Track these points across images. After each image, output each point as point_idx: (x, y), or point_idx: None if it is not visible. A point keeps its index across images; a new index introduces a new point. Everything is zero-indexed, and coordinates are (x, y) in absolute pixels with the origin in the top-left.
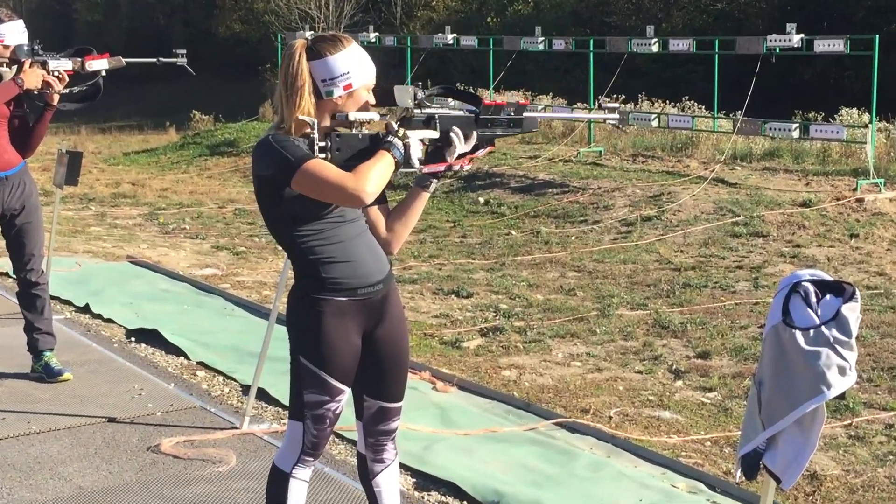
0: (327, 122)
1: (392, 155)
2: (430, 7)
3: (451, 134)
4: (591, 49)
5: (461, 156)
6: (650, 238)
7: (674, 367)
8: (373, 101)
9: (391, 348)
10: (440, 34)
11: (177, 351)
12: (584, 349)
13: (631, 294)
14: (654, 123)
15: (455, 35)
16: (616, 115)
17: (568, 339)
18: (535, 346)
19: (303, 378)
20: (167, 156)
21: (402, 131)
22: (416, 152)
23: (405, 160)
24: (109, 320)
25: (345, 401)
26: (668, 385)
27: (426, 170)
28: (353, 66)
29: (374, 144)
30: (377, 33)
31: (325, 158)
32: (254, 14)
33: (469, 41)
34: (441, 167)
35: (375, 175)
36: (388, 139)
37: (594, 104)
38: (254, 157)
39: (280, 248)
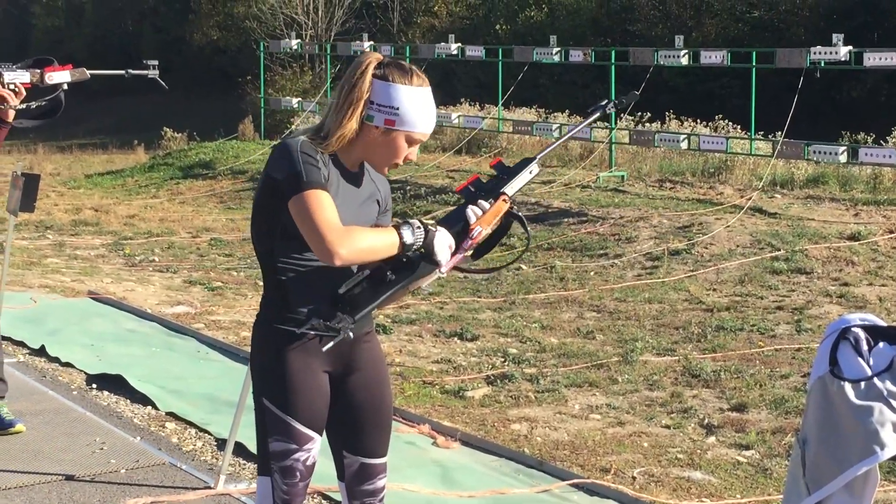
0: (356, 153)
1: (400, 235)
2: (431, 13)
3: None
4: (613, 61)
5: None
6: (679, 274)
7: (706, 421)
8: (413, 157)
9: (368, 396)
10: (443, 43)
11: (144, 399)
12: (604, 400)
13: (657, 338)
14: (684, 145)
15: (460, 44)
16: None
17: (586, 389)
18: (548, 397)
19: (267, 424)
20: (134, 178)
21: (426, 220)
22: (443, 248)
23: (424, 248)
24: (68, 364)
25: (315, 450)
26: (700, 441)
27: (444, 270)
28: (408, 107)
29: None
30: (372, 42)
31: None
32: (233, 20)
33: (475, 51)
34: (457, 258)
35: (363, 243)
36: (409, 219)
37: (616, 123)
38: (273, 154)
39: (260, 282)
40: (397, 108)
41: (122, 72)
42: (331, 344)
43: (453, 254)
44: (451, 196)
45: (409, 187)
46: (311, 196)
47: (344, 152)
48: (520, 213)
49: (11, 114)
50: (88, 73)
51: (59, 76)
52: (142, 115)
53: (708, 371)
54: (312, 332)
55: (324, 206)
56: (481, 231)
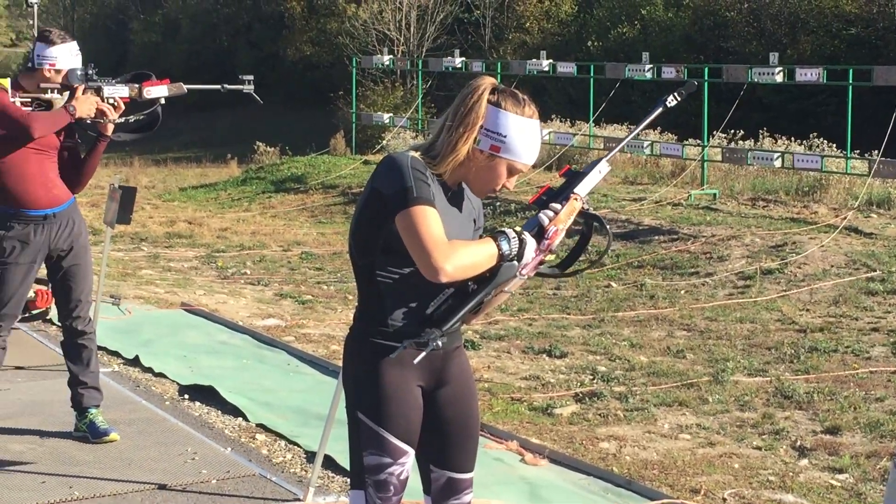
0: (458, 173)
1: (498, 245)
2: (522, 29)
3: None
4: (707, 78)
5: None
6: (771, 294)
7: (798, 443)
8: (510, 186)
9: (458, 410)
10: (534, 59)
11: (234, 411)
12: (693, 420)
13: (748, 358)
14: (778, 163)
15: (551, 61)
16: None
17: (675, 408)
18: (637, 415)
19: (361, 437)
20: (227, 192)
21: (518, 228)
22: (530, 253)
23: (517, 257)
24: (161, 375)
25: (409, 464)
26: (792, 464)
27: (525, 272)
28: (515, 136)
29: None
30: (463, 58)
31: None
32: (326, 36)
33: (567, 67)
34: (537, 261)
35: (467, 259)
36: (503, 229)
37: (708, 141)
38: (380, 168)
39: (350, 296)
40: (505, 136)
41: (219, 86)
42: (421, 356)
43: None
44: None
45: (498, 203)
46: (419, 212)
47: (448, 172)
48: (596, 213)
49: (110, 128)
50: (185, 87)
51: (157, 91)
52: (235, 129)
53: (801, 392)
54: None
55: (431, 222)
56: (556, 230)
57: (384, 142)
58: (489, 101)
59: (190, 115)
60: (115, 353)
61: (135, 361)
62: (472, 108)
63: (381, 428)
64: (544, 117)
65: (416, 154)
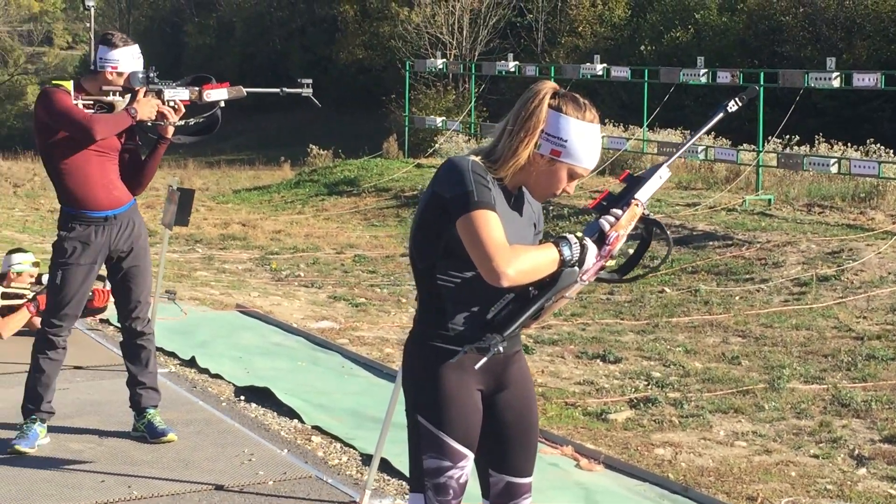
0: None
1: (560, 251)
2: (575, 33)
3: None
4: (762, 83)
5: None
6: (827, 301)
7: (856, 451)
8: (570, 191)
9: (517, 415)
10: (588, 63)
11: (290, 413)
12: (749, 427)
13: (805, 365)
14: (834, 169)
15: (605, 65)
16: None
17: (731, 415)
18: (692, 422)
19: (421, 441)
20: (280, 194)
21: (579, 233)
22: (591, 259)
23: (578, 263)
24: (217, 376)
25: (469, 468)
26: (850, 473)
27: (586, 277)
28: (576, 140)
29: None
30: (517, 62)
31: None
32: (379, 39)
33: (621, 72)
34: (597, 266)
35: (528, 263)
36: (565, 234)
37: (763, 146)
38: (441, 172)
39: (404, 300)
40: (566, 141)
41: (278, 90)
42: (482, 361)
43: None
44: (592, 216)
45: (551, 207)
46: (481, 216)
47: (508, 176)
48: (656, 218)
49: (170, 130)
50: (245, 90)
51: (217, 94)
52: (287, 131)
53: (858, 401)
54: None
55: (492, 226)
56: (618, 236)
57: (437, 145)
58: (550, 106)
59: (242, 118)
60: (172, 354)
61: (191, 362)
62: (533, 112)
63: (440, 431)
64: (602, 122)
65: (477, 158)
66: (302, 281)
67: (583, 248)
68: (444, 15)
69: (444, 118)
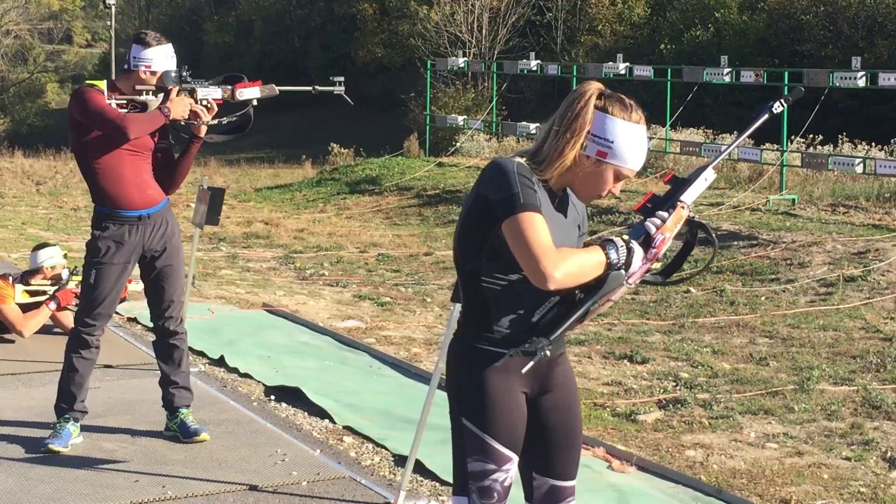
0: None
1: (606, 254)
2: (595, 32)
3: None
4: (786, 82)
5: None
6: (854, 301)
7: (888, 454)
8: (616, 192)
9: (562, 418)
10: (610, 63)
11: (320, 413)
12: (780, 429)
13: (833, 366)
14: (859, 169)
15: (628, 64)
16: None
17: (761, 417)
18: (722, 423)
19: (466, 444)
20: (302, 193)
21: (625, 236)
22: (637, 262)
23: (624, 266)
24: (247, 375)
25: (514, 471)
26: (883, 475)
27: (632, 280)
28: (622, 141)
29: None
30: (538, 61)
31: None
32: (398, 38)
33: (644, 71)
34: (643, 269)
35: (575, 266)
36: (611, 237)
37: (787, 145)
38: (486, 173)
39: (428, 299)
40: (612, 142)
41: (310, 88)
42: (529, 366)
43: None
44: (618, 216)
45: (589, 208)
46: (526, 218)
47: (554, 178)
48: (702, 221)
49: (203, 129)
50: (277, 89)
51: (250, 92)
52: (306, 130)
53: (889, 403)
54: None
55: (539, 228)
56: (664, 238)
57: (458, 144)
58: (596, 107)
59: (261, 117)
60: (201, 353)
61: (220, 361)
62: (580, 113)
63: (486, 434)
64: None
65: (522, 160)
66: (326, 280)
67: (629, 251)
68: (464, 13)
69: (465, 117)
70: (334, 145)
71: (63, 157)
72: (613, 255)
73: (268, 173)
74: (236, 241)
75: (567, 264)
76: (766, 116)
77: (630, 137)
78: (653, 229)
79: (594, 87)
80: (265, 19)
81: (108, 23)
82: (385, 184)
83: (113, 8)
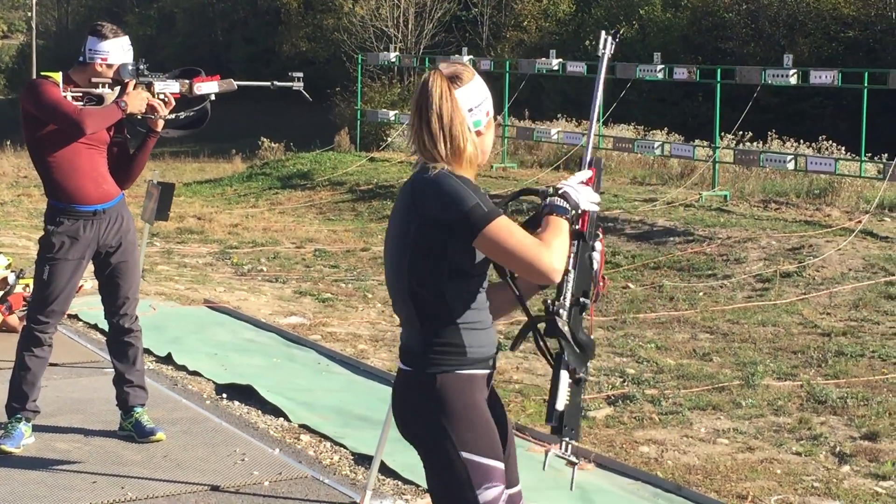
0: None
1: (563, 217)
2: (521, 28)
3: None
4: (718, 80)
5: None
6: (790, 297)
7: (837, 448)
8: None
9: (504, 425)
10: (543, 59)
11: (274, 411)
12: (729, 424)
13: (776, 361)
14: (790, 166)
15: (561, 60)
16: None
17: (710, 412)
18: (672, 419)
19: (470, 477)
20: (233, 187)
21: (551, 188)
22: (586, 195)
23: (575, 208)
24: (195, 373)
25: None
26: (834, 470)
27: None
28: (485, 94)
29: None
30: (471, 56)
31: None
32: (322, 32)
33: (576, 67)
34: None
35: (561, 246)
36: (547, 201)
37: (719, 141)
38: (426, 195)
39: (370, 295)
40: (480, 102)
41: (268, 83)
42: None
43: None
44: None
45: (510, 203)
46: (500, 225)
47: (474, 170)
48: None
49: (161, 123)
50: (236, 84)
51: (208, 87)
52: (231, 123)
53: (834, 398)
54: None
55: (514, 230)
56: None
57: (390, 139)
58: (455, 88)
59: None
60: (147, 351)
61: (167, 359)
62: (452, 104)
63: (490, 459)
64: (547, 116)
65: (446, 171)
66: (265, 276)
67: (564, 193)
68: (390, 8)
69: (396, 112)
70: (265, 140)
71: None
72: (563, 208)
73: (193, 167)
74: (170, 236)
75: (557, 251)
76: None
77: (484, 89)
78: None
79: (438, 74)
80: (187, 11)
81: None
82: (317, 179)
83: None
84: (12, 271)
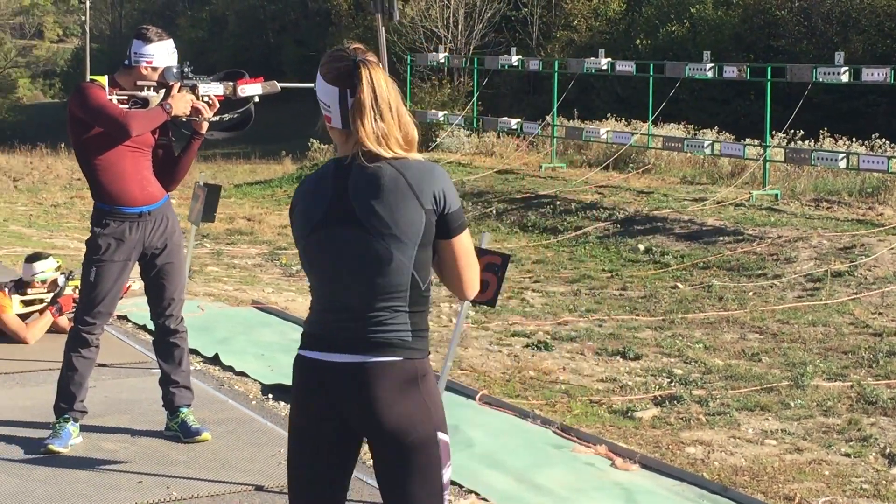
0: None
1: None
2: (571, 27)
3: None
4: (769, 78)
5: None
6: (841, 297)
7: (887, 450)
8: None
9: None
10: (592, 58)
11: None
12: (777, 425)
13: (826, 362)
14: (842, 164)
15: (609, 60)
16: None
17: (758, 413)
18: (719, 420)
19: (441, 457)
20: (283, 189)
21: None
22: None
23: None
24: (242, 373)
25: None
26: (884, 472)
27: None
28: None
29: None
30: (520, 56)
31: None
32: (373, 33)
33: (625, 66)
34: None
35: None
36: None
37: (769, 140)
38: (434, 183)
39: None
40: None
41: (312, 85)
42: None
43: None
44: (601, 211)
45: (558, 202)
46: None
47: None
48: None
49: (205, 126)
50: (279, 85)
51: (252, 89)
52: (281, 125)
53: (884, 398)
54: None
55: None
56: None
57: (439, 140)
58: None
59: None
60: (194, 351)
61: (214, 360)
62: (396, 91)
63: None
64: (597, 116)
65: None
66: None
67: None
68: (440, 8)
69: (445, 112)
70: (314, 141)
71: (39, 153)
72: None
73: (244, 169)
74: (220, 237)
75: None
76: None
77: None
78: None
79: (372, 64)
80: (239, 14)
81: (82, 18)
82: None
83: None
84: (62, 273)
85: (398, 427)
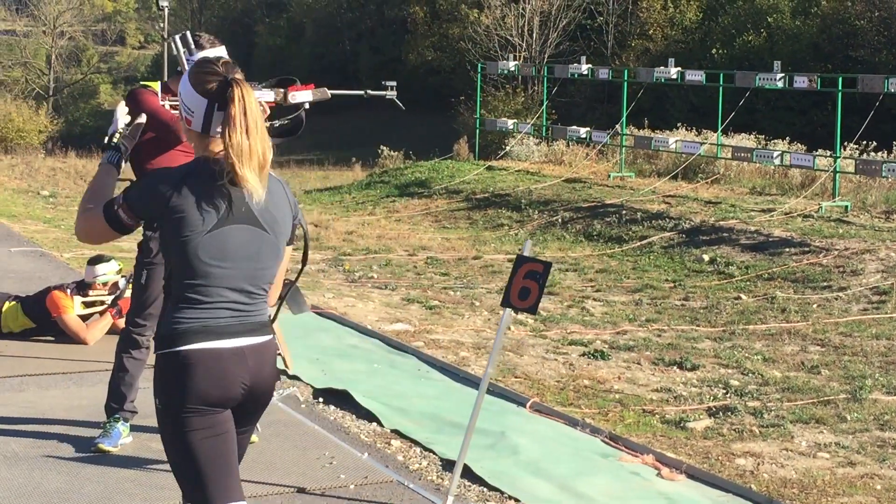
0: None
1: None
2: (646, 36)
3: None
4: (840, 88)
5: None
6: None
7: None
8: None
9: None
10: (662, 67)
11: (368, 416)
12: (832, 438)
13: (887, 376)
14: None
15: (679, 69)
16: None
17: (813, 426)
18: (773, 432)
19: None
20: (352, 195)
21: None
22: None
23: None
24: (295, 377)
25: None
26: None
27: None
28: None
29: None
30: (590, 65)
31: None
32: (448, 41)
33: (695, 75)
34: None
35: None
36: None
37: (840, 151)
38: (289, 191)
39: (477, 303)
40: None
41: (362, 92)
42: None
43: None
44: (667, 221)
45: (624, 212)
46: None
47: None
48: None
49: None
50: (330, 93)
51: (302, 95)
52: (355, 132)
53: None
54: None
55: None
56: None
57: (508, 148)
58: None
59: (311, 118)
60: None
61: None
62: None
63: None
64: (670, 125)
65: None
66: (375, 283)
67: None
68: (514, 17)
69: (515, 121)
70: (384, 148)
71: None
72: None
73: (317, 175)
74: None
75: None
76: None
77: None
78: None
79: (243, 83)
80: (316, 22)
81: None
82: (434, 187)
83: (166, 10)
84: (123, 276)
85: (262, 405)
